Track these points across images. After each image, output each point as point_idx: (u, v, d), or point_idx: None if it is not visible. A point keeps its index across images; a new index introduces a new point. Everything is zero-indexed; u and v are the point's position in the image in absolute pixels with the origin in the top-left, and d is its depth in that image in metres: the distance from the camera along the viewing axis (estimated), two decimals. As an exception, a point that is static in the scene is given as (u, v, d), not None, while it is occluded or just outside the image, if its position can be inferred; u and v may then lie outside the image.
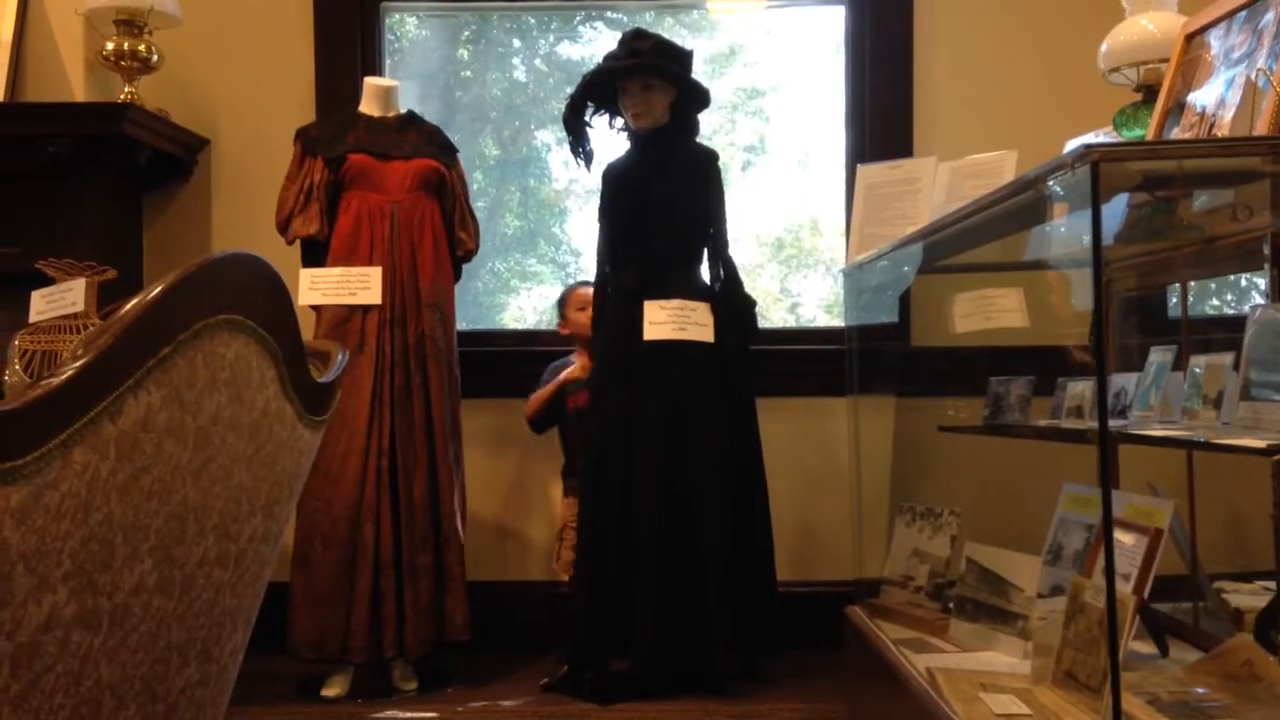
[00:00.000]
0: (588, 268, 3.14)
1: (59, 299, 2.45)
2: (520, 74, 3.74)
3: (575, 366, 3.11)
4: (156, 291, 1.04)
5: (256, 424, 1.22)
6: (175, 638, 1.15)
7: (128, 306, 1.02)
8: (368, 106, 3.01)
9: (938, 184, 2.57)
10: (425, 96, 3.59)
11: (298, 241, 2.91)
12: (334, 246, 2.86)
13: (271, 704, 2.71)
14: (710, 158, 2.97)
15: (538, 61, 3.73)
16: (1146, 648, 1.98)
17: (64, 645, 0.98)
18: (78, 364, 0.96)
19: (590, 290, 3.15)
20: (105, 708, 1.06)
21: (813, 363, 3.30)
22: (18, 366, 2.42)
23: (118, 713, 1.08)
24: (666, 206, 2.89)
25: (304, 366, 1.33)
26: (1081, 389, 2.20)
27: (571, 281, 3.39)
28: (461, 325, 3.13)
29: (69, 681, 1.00)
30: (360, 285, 2.81)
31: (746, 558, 2.83)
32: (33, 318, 2.48)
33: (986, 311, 2.47)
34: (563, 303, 3.22)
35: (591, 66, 3.06)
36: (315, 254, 2.91)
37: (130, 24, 3.08)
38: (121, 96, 3.09)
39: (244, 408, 1.19)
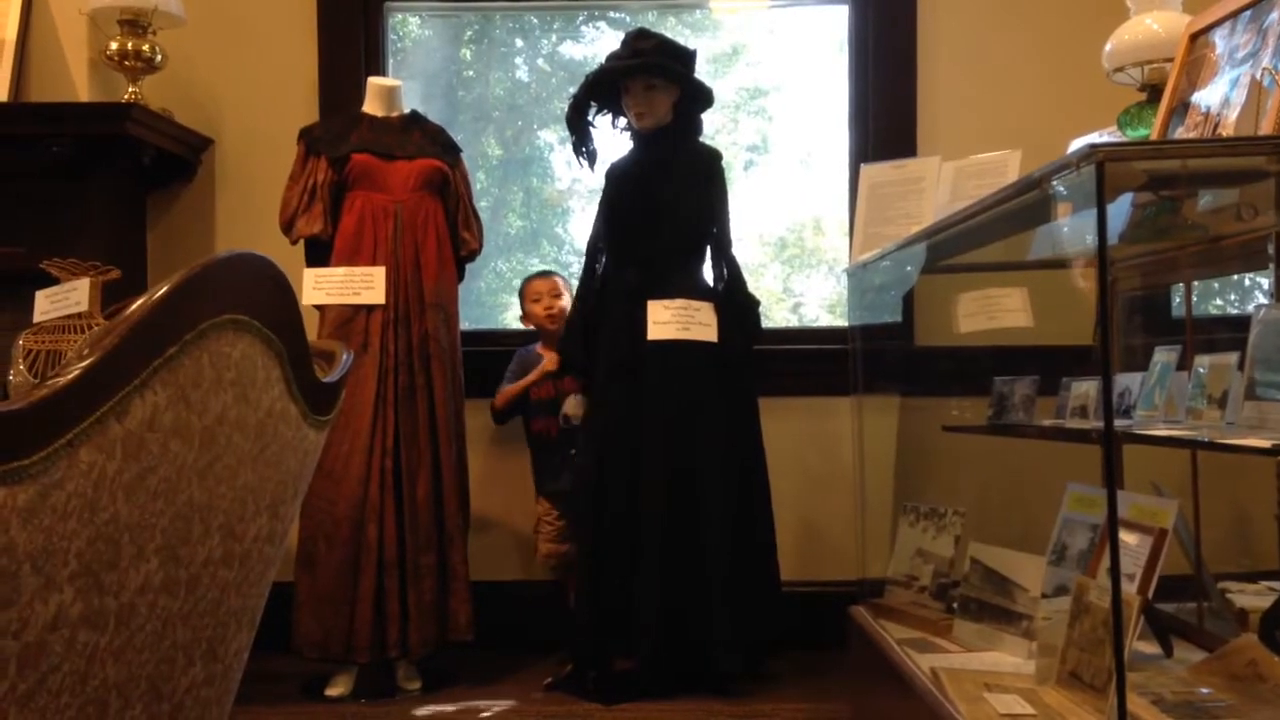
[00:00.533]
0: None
1: (63, 299, 2.46)
2: (523, 74, 3.74)
3: (548, 360, 3.11)
4: (162, 291, 1.04)
5: (262, 424, 1.22)
6: (181, 637, 1.15)
7: (134, 306, 1.02)
8: (371, 106, 3.01)
9: (941, 183, 2.56)
10: (428, 96, 3.59)
11: (301, 241, 2.91)
12: (338, 246, 2.87)
13: (276, 704, 2.71)
14: (713, 157, 2.97)
15: (540, 61, 3.74)
16: (1151, 648, 1.98)
17: (70, 645, 0.99)
18: (84, 364, 0.96)
19: (543, 282, 3.17)
20: (111, 707, 1.06)
21: (816, 362, 3.30)
22: (22, 366, 2.43)
23: (123, 712, 1.08)
24: (670, 206, 2.89)
25: (309, 366, 1.33)
26: (1086, 389, 2.20)
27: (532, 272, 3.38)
28: (465, 325, 3.13)
29: (75, 681, 1.00)
30: (364, 285, 2.81)
31: (749, 557, 2.83)
32: (37, 317, 2.48)
33: (990, 311, 2.47)
34: (520, 295, 3.23)
35: (594, 66, 3.06)
36: (319, 254, 2.92)
37: (134, 24, 3.09)
38: (125, 96, 3.10)
39: (249, 407, 1.19)
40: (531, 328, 3.22)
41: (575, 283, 3.07)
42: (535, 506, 3.18)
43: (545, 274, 3.25)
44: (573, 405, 3.04)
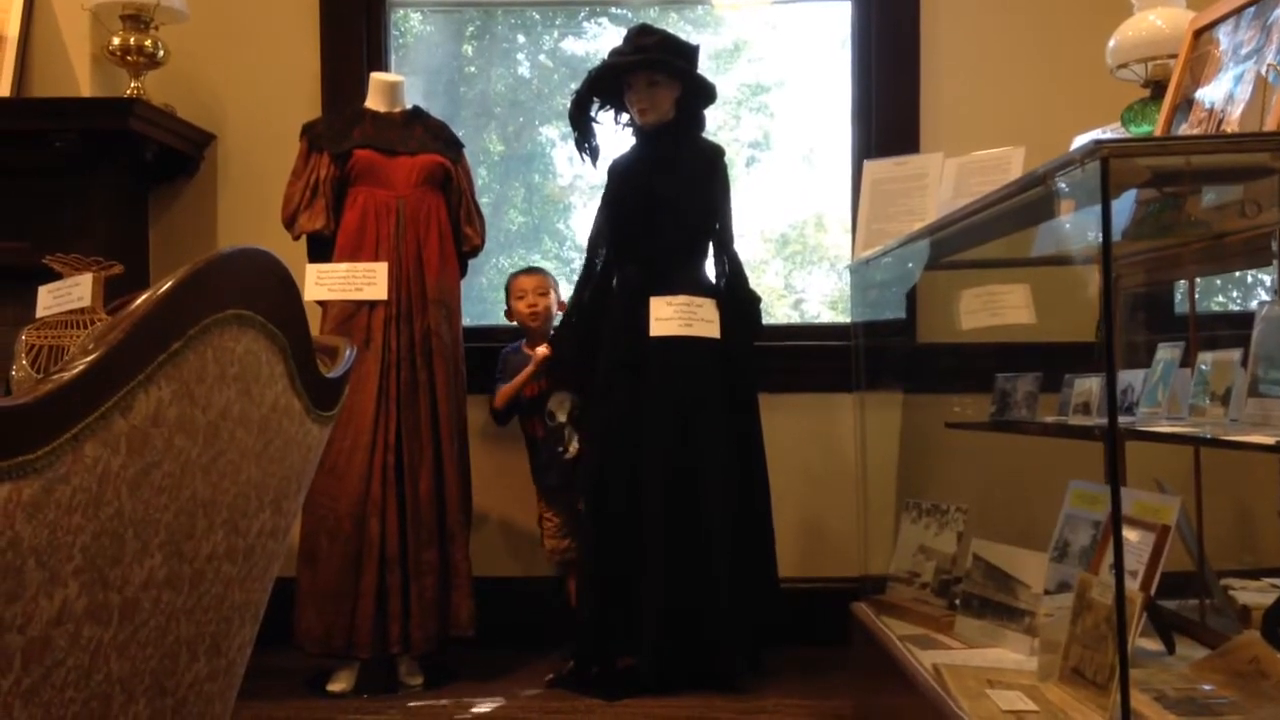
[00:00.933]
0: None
1: (66, 294, 2.46)
2: (525, 70, 3.74)
3: (542, 350, 3.10)
4: (167, 286, 1.04)
5: (265, 419, 1.22)
6: (184, 632, 1.15)
7: (139, 301, 1.02)
8: (373, 102, 3.01)
9: (945, 180, 2.56)
10: (430, 92, 3.59)
11: (304, 237, 2.91)
12: (340, 242, 2.87)
13: (279, 699, 2.71)
14: (716, 153, 2.97)
15: (542, 57, 3.73)
16: (1153, 645, 1.98)
17: (74, 639, 0.99)
18: (89, 359, 0.96)
19: (529, 279, 3.16)
20: (115, 702, 1.06)
21: (818, 359, 3.30)
22: (24, 362, 2.43)
23: (127, 707, 1.08)
24: (672, 202, 2.89)
25: (312, 361, 1.33)
26: (1089, 385, 2.20)
27: (514, 268, 3.36)
28: (467, 321, 3.13)
29: (79, 676, 1.00)
30: (366, 281, 2.81)
31: (750, 554, 2.83)
32: (40, 313, 2.49)
33: (993, 308, 2.47)
34: (506, 290, 3.23)
35: (596, 62, 3.06)
36: (321, 249, 2.92)
37: (136, 19, 3.09)
38: (128, 92, 3.10)
39: (253, 403, 1.19)
40: (515, 324, 3.22)
41: (570, 278, 3.07)
42: (538, 503, 3.18)
43: (532, 270, 3.23)
44: (556, 404, 3.05)
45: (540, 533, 3.16)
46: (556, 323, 3.14)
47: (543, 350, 3.07)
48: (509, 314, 3.21)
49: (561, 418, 3.04)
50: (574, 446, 3.02)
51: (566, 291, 3.26)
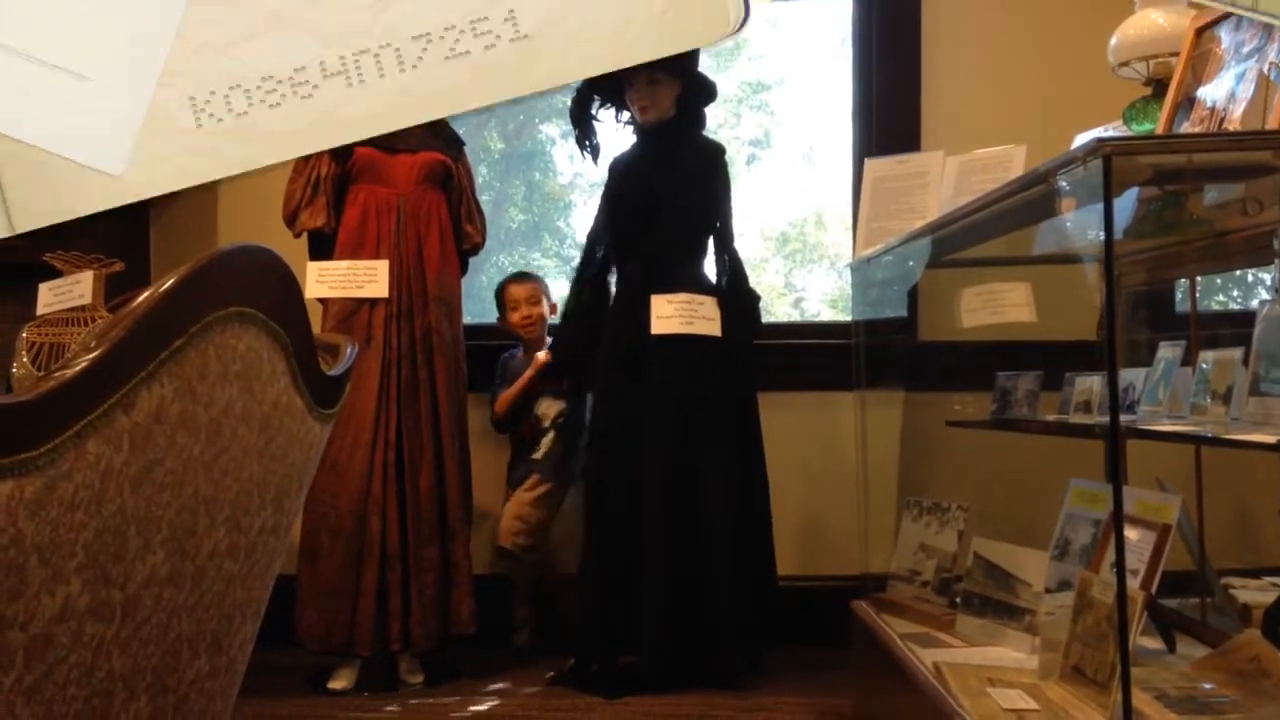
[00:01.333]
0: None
1: (66, 291, 2.46)
2: (526, 67, 3.73)
3: (543, 354, 3.10)
4: (169, 283, 1.04)
5: (267, 416, 1.22)
6: (186, 630, 1.15)
7: (140, 298, 1.02)
8: (374, 99, 3.01)
9: (946, 178, 2.56)
10: (431, 90, 3.58)
11: (305, 234, 2.91)
12: (341, 239, 2.87)
13: (280, 696, 2.71)
14: (717, 151, 2.97)
15: (543, 55, 3.73)
16: (1154, 643, 1.98)
17: (77, 637, 0.99)
18: (91, 355, 0.96)
19: (520, 288, 3.16)
20: (117, 699, 1.06)
21: (818, 357, 3.29)
22: (25, 359, 2.43)
23: (129, 704, 1.08)
24: (673, 200, 2.89)
25: (314, 359, 1.33)
26: (1090, 384, 2.20)
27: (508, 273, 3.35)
28: (467, 319, 3.13)
29: (81, 673, 1.00)
30: (367, 279, 2.81)
31: (749, 552, 2.83)
32: (40, 310, 2.49)
33: (994, 306, 2.47)
34: (498, 298, 3.22)
35: (598, 60, 3.06)
36: (322, 247, 2.92)
37: (137, 16, 3.08)
38: (128, 89, 3.09)
39: (255, 400, 1.19)
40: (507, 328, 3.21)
41: (570, 277, 3.06)
42: (505, 496, 3.17)
43: (522, 278, 3.21)
44: (546, 408, 3.06)
45: (515, 523, 3.11)
46: (553, 323, 3.14)
47: (543, 356, 3.07)
48: (500, 321, 3.20)
49: (546, 423, 3.06)
50: (542, 452, 3.04)
51: (560, 289, 3.25)
